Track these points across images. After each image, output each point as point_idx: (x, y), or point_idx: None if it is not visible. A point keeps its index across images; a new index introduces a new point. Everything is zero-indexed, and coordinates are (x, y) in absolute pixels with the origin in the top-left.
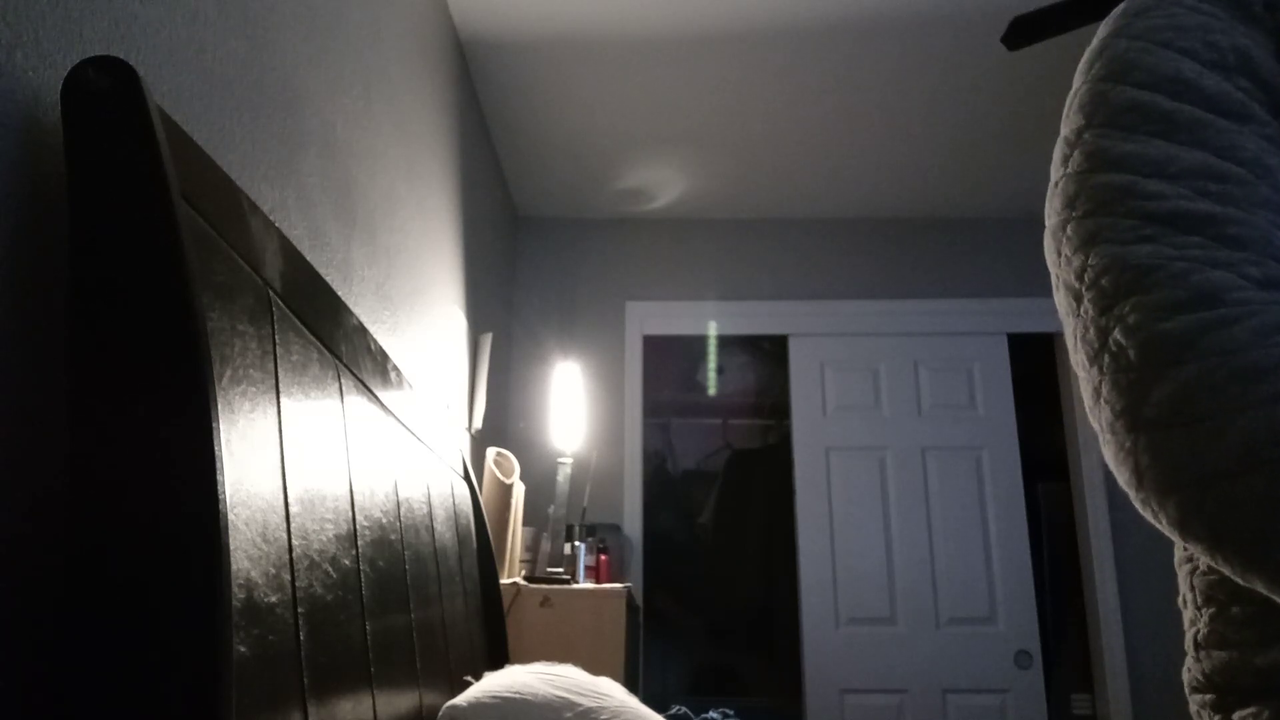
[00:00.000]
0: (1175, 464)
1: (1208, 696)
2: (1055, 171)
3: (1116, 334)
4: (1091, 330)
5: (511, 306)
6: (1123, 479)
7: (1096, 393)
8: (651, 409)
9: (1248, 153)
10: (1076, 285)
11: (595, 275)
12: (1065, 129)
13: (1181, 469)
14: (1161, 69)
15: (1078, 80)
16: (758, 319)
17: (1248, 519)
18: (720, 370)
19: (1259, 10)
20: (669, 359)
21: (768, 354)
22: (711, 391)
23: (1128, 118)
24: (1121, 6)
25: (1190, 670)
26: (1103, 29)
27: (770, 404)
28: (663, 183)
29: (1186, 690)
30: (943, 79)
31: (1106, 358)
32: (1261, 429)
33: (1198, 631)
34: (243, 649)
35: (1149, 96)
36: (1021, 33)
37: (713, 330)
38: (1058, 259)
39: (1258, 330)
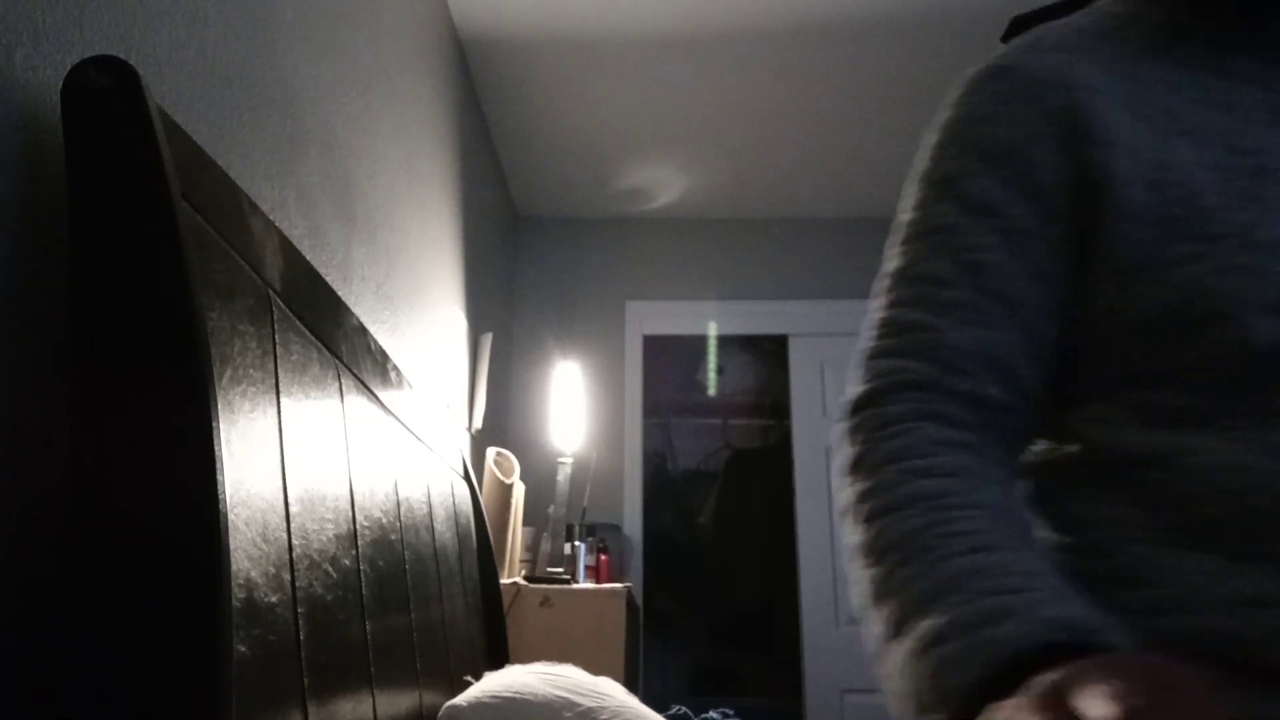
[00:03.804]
0: None
1: None
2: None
3: None
4: None
5: (511, 306)
6: None
7: None
8: (651, 409)
9: (976, 254)
10: None
11: (595, 275)
12: (918, 164)
13: None
14: (946, 165)
15: (937, 126)
16: (758, 319)
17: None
18: (720, 370)
19: (1047, 91)
20: (669, 359)
21: (768, 354)
22: (711, 391)
23: (907, 221)
24: (969, 75)
25: None
26: (955, 90)
27: (770, 404)
28: (663, 182)
29: None
30: (943, 79)
31: None
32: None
33: None
34: (243, 649)
35: (924, 195)
36: (1022, 33)
37: (713, 330)
38: None
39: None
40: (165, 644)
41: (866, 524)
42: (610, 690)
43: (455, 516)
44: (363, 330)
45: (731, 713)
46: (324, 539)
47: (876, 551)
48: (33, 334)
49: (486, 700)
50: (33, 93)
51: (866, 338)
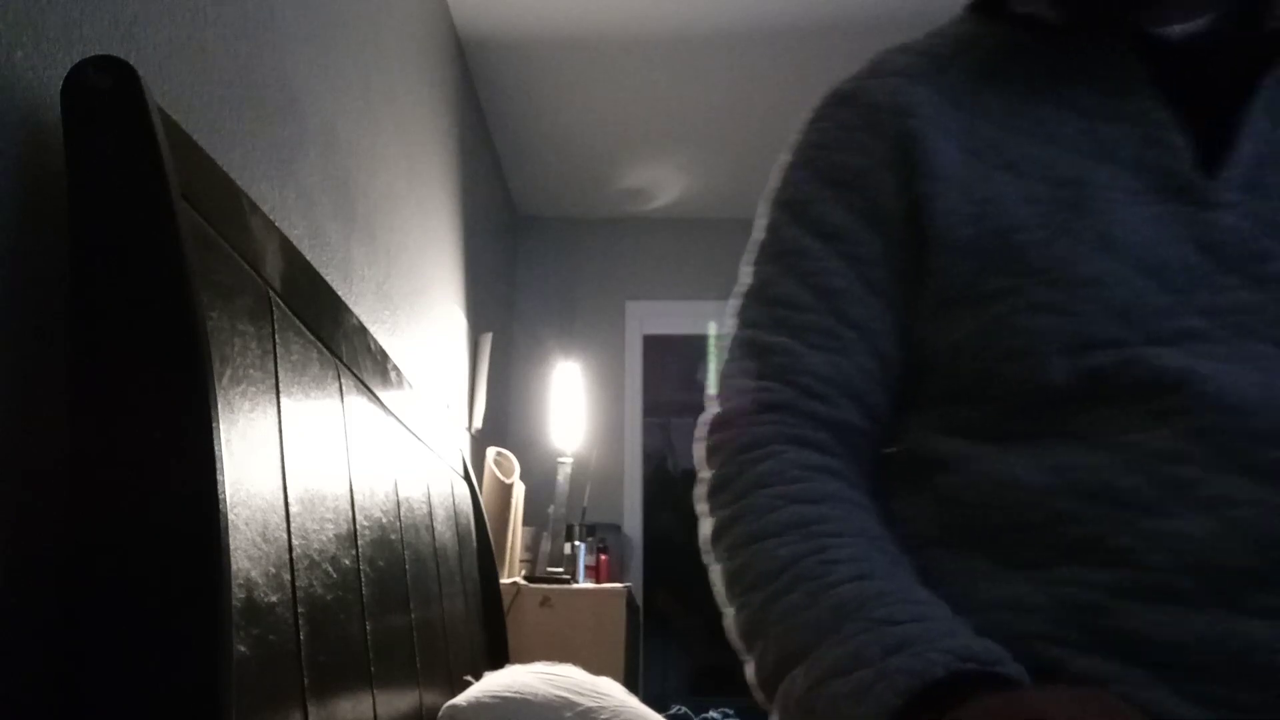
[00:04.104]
0: None
1: None
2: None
3: None
4: None
5: (511, 306)
6: None
7: None
8: (651, 409)
9: (827, 279)
10: None
11: (595, 275)
12: (771, 185)
13: None
14: (796, 190)
15: (790, 148)
16: None
17: None
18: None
19: (886, 117)
20: (669, 359)
21: None
22: (711, 391)
23: (760, 241)
24: (818, 101)
25: None
26: (806, 114)
27: None
28: (663, 182)
29: None
30: None
31: None
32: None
33: None
34: (243, 649)
35: (777, 217)
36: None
37: (713, 330)
38: None
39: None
40: (165, 644)
41: (737, 550)
42: (610, 690)
43: (455, 516)
44: (363, 330)
45: (731, 713)
46: (324, 539)
47: (751, 579)
48: (33, 334)
49: (486, 700)
50: (33, 93)
51: (725, 358)
